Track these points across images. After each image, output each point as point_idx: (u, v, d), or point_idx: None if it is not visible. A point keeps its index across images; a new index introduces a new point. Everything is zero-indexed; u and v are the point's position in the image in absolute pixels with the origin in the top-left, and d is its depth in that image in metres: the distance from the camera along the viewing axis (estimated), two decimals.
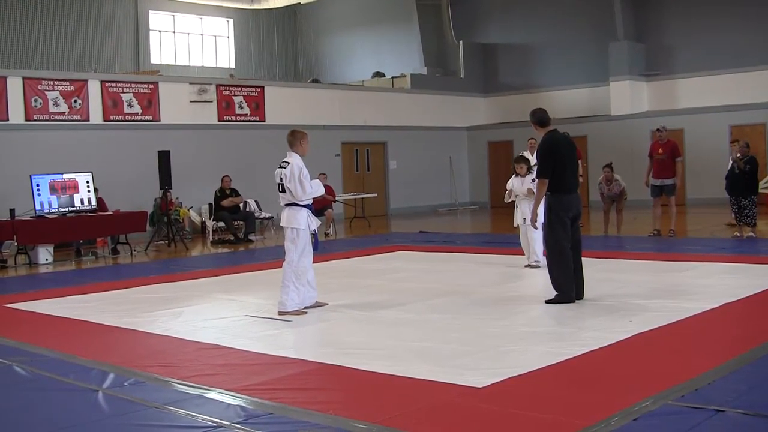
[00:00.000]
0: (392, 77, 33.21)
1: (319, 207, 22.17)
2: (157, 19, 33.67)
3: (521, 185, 14.65)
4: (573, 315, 9.80)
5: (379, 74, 33.70)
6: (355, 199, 27.76)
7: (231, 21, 36.05)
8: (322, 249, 18.23)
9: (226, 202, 22.29)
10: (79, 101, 23.62)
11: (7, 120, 22.36)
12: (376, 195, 28.54)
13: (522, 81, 33.24)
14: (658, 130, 19.23)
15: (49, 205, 19.18)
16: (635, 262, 14.56)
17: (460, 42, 34.59)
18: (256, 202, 24.34)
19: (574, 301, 10.44)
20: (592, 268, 13.48)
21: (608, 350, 7.95)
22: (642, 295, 10.98)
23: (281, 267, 11.02)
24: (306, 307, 10.83)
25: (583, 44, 31.13)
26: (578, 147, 22.13)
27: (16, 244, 19.01)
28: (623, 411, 5.92)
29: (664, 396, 6.25)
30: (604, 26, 30.21)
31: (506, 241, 18.98)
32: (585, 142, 27.94)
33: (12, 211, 19.00)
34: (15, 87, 22.57)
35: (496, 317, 9.81)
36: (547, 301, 10.52)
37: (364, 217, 27.01)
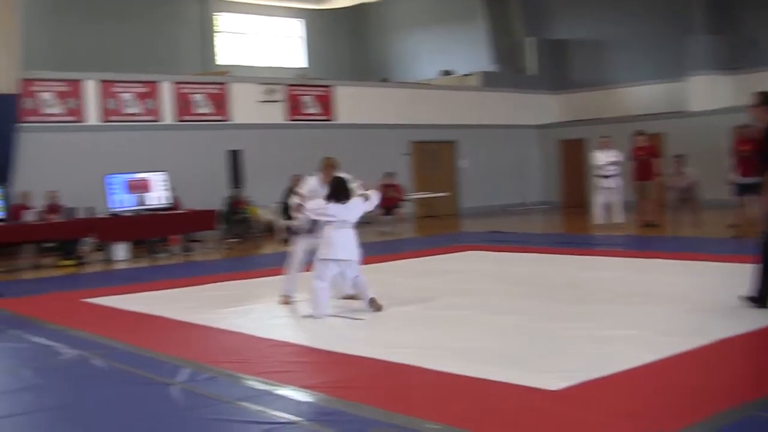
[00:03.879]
0: (461, 75, 33.11)
1: (386, 206, 22.31)
2: (227, 20, 33.95)
3: None
4: (649, 320, 9.51)
5: (447, 72, 33.55)
6: (425, 198, 27.75)
7: (300, 21, 36.21)
8: (392, 248, 18.42)
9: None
10: (152, 102, 23.98)
11: (84, 122, 22.79)
12: (446, 194, 28.50)
13: (594, 77, 32.62)
14: (742, 126, 18.95)
15: (125, 203, 19.54)
16: (713, 264, 13.93)
17: (530, 39, 34.24)
18: None
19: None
20: (668, 271, 13.46)
21: (682, 357, 7.66)
22: (720, 300, 10.36)
23: None
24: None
25: (658, 38, 30.38)
26: (653, 144, 22.13)
27: (93, 241, 19.39)
28: (705, 420, 5.77)
29: (751, 407, 6.07)
30: (680, 19, 29.34)
31: (579, 241, 19.00)
32: (662, 139, 27.44)
33: (90, 209, 19.37)
34: (90, 90, 22.98)
35: (571, 319, 9.64)
36: (746, 299, 9.76)
37: (434, 216, 27.00)
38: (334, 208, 10.67)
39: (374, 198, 11.44)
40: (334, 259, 10.58)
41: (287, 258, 12.06)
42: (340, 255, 10.58)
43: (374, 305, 10.76)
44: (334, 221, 10.65)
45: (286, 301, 11.76)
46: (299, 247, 11.86)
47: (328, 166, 11.84)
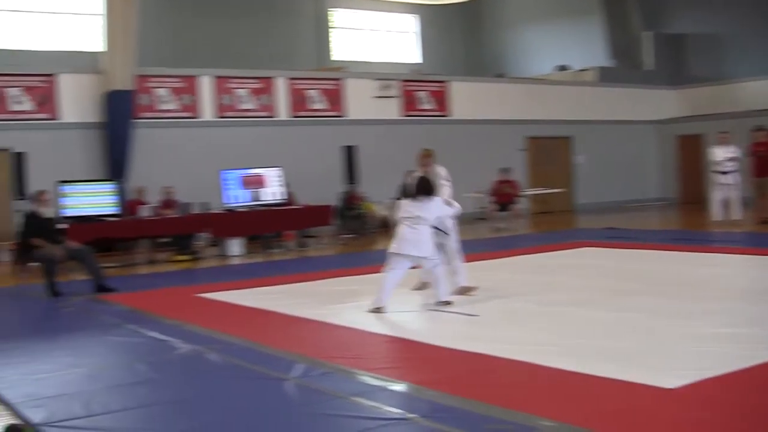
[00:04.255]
0: (577, 70, 32.82)
1: (502, 202, 22.20)
2: (341, 16, 34.02)
3: None
4: None
5: (563, 68, 33.33)
6: (540, 194, 27.58)
7: (414, 17, 36.16)
8: (508, 245, 18.32)
9: None
10: (267, 98, 24.12)
11: (199, 117, 23.01)
12: (562, 190, 28.28)
13: (712, 72, 32.08)
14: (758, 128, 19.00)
15: (240, 199, 19.66)
16: None
17: (647, 33, 33.81)
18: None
19: None
20: None
21: None
22: None
23: (466, 261, 11.15)
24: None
25: None
26: None
27: (208, 236, 19.54)
28: None
29: None
30: None
31: (696, 238, 18.62)
32: None
33: (205, 204, 19.53)
34: (206, 86, 23.24)
35: (687, 316, 9.46)
36: None
37: (550, 212, 26.81)
38: (410, 204, 10.92)
39: (455, 208, 11.44)
40: (401, 253, 10.79)
41: None
42: (405, 250, 10.77)
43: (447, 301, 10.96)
44: (408, 217, 10.81)
45: (420, 287, 11.88)
46: None
47: (423, 157, 11.89)
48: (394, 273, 10.87)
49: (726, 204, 21.26)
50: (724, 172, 21.14)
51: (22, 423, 6.35)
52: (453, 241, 11.76)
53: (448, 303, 10.89)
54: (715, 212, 21.47)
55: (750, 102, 30.13)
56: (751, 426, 5.67)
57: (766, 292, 11.09)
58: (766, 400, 6.24)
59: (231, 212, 19.45)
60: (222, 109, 23.43)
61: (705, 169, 27.16)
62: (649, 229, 22.29)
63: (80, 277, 14.64)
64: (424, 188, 10.96)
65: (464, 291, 11.55)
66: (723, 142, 21.39)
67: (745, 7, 30.73)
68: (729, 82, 31.43)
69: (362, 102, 25.89)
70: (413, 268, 11.16)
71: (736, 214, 21.05)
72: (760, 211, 21.33)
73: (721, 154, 21.25)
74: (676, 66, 33.67)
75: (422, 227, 10.80)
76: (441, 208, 11.11)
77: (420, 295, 11.63)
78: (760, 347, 7.73)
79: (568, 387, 6.81)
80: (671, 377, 6.71)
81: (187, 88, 22.97)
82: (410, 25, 36.16)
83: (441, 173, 11.76)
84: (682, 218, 26.64)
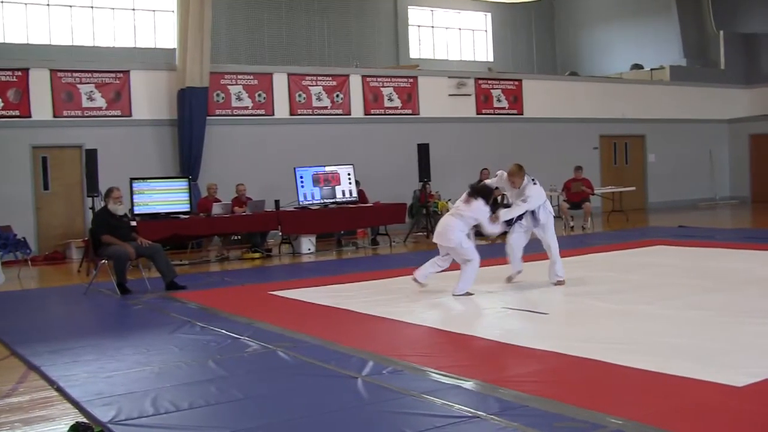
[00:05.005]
0: (651, 69, 32.55)
1: (576, 200, 22.07)
2: (416, 14, 33.94)
3: None
4: None
5: (637, 66, 33.08)
6: (613, 192, 27.40)
7: (489, 15, 36.03)
8: (580, 243, 18.20)
9: None
10: (341, 96, 24.12)
11: (273, 115, 23.04)
12: (634, 188, 28.06)
13: None
14: None
15: (312, 196, 19.66)
16: None
17: (721, 32, 33.49)
18: None
19: None
20: None
21: None
22: None
23: (539, 260, 11.23)
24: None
25: None
26: None
27: (280, 234, 19.56)
28: None
29: None
30: None
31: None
32: None
33: (277, 202, 19.56)
34: (280, 83, 23.30)
35: (757, 314, 9.37)
36: None
37: (622, 210, 26.61)
38: (461, 200, 12.35)
39: (494, 225, 12.29)
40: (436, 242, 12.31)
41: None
42: (435, 239, 12.35)
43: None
44: (453, 211, 12.37)
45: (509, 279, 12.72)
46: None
47: (510, 175, 12.69)
48: (436, 258, 12.38)
49: None
50: None
51: (88, 422, 6.32)
52: (550, 238, 12.48)
53: (469, 294, 11.72)
54: None
55: None
56: None
57: None
58: None
59: (303, 210, 19.44)
60: (296, 107, 23.44)
61: None
62: (721, 227, 22.22)
63: (151, 274, 14.70)
64: (478, 192, 12.22)
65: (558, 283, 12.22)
66: None
67: None
68: None
69: (436, 100, 25.84)
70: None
71: None
72: None
73: None
74: (749, 65, 33.53)
75: (455, 220, 12.03)
76: (480, 212, 12.05)
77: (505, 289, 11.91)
78: None
79: (636, 385, 6.80)
80: (740, 375, 6.71)
81: (261, 85, 23.01)
82: (483, 23, 36.02)
83: (527, 192, 12.34)
84: (754, 217, 26.57)
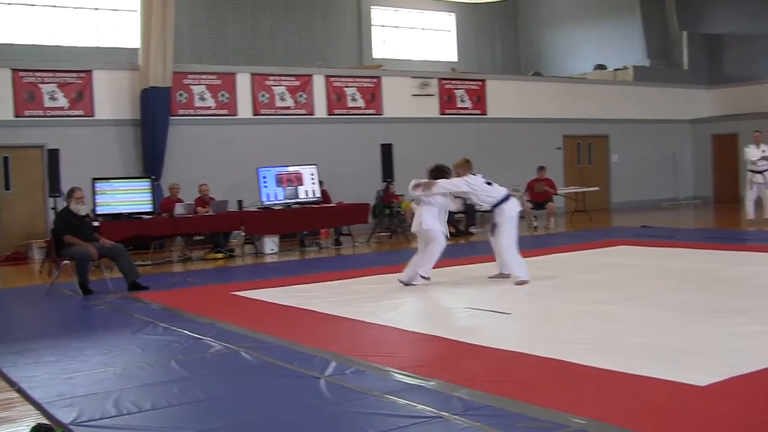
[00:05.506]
0: (614, 69, 32.71)
1: (539, 200, 22.16)
2: (379, 14, 33.95)
3: None
4: None
5: (601, 66, 33.23)
6: (576, 192, 27.51)
7: (452, 15, 36.08)
8: (543, 243, 18.28)
9: None
10: (304, 96, 24.10)
11: (236, 115, 23.01)
12: (597, 189, 28.18)
13: (748, 72, 32.07)
14: None
15: (275, 196, 19.65)
16: None
17: (684, 32, 33.72)
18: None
19: None
20: None
21: None
22: None
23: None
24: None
25: None
26: None
27: (243, 234, 19.54)
28: None
29: None
30: None
31: (732, 237, 18.63)
32: None
33: (240, 202, 19.54)
34: (243, 83, 23.26)
35: (721, 314, 9.44)
36: None
37: (585, 210, 26.72)
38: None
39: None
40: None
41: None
42: (413, 229, 13.26)
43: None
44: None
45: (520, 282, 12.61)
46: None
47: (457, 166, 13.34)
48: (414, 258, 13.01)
49: (760, 203, 21.20)
50: (758, 171, 21.07)
51: (49, 424, 6.30)
52: (503, 236, 12.72)
53: (425, 278, 12.81)
54: (749, 211, 21.48)
55: None
56: None
57: None
58: None
59: (266, 210, 19.42)
60: (259, 107, 23.40)
61: (739, 168, 27.31)
62: (684, 227, 22.34)
63: (114, 275, 14.64)
64: (436, 174, 13.07)
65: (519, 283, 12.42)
66: (757, 141, 21.30)
67: None
68: (764, 81, 31.45)
69: (400, 100, 25.86)
70: None
71: None
72: None
73: (755, 153, 21.21)
74: (712, 65, 33.79)
75: (426, 207, 12.90)
76: (445, 186, 12.88)
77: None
78: None
79: (600, 384, 6.84)
80: (703, 375, 6.77)
81: (224, 85, 22.96)
82: (447, 23, 36.08)
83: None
84: (717, 217, 26.70)
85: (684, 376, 6.72)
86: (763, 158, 20.96)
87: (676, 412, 5.96)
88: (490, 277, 13.00)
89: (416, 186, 12.85)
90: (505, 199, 12.80)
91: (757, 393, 6.35)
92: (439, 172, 13.06)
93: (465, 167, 13.02)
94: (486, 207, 13.15)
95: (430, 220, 12.78)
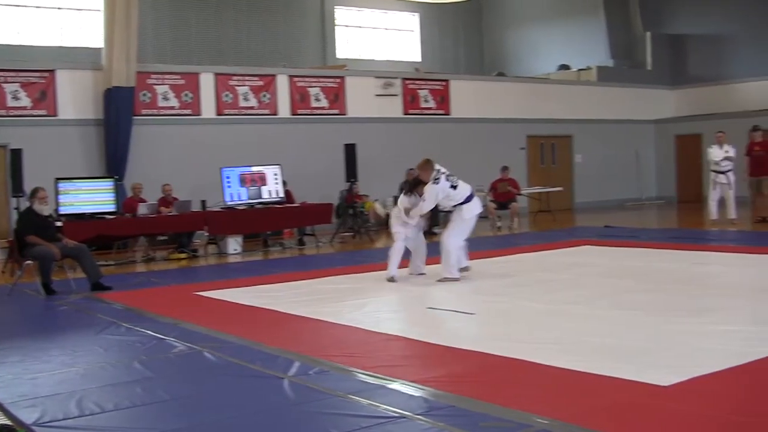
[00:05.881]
0: (578, 70, 32.83)
1: (503, 200, 22.22)
2: (343, 14, 33.95)
3: None
4: (764, 315, 9.42)
5: (564, 67, 33.34)
6: (540, 192, 27.59)
7: (416, 15, 36.11)
8: (507, 243, 18.32)
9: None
10: (268, 96, 24.08)
11: (200, 115, 22.96)
12: (561, 189, 28.28)
13: (712, 72, 32.23)
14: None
15: (239, 196, 19.62)
16: None
17: (648, 33, 33.84)
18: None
19: None
20: None
21: None
22: None
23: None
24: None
25: None
26: None
27: (206, 234, 19.51)
28: None
29: None
30: None
31: (695, 237, 18.71)
32: None
33: (203, 202, 19.50)
34: (207, 83, 23.19)
35: (684, 314, 9.49)
36: None
37: (549, 210, 26.81)
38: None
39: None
40: None
41: None
42: None
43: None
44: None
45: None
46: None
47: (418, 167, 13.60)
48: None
49: (723, 203, 21.34)
50: (722, 172, 21.21)
51: (11, 424, 6.28)
52: (450, 233, 13.15)
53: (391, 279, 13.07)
54: (712, 211, 21.55)
55: (748, 102, 30.39)
56: (742, 421, 5.71)
57: (761, 290, 11.23)
58: (758, 396, 6.34)
59: (230, 210, 19.39)
60: (222, 107, 23.35)
61: (703, 168, 27.49)
62: (647, 227, 22.44)
63: (77, 275, 14.56)
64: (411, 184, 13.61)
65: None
66: (720, 141, 21.44)
67: (744, 9, 30.97)
68: (727, 82, 31.65)
69: (363, 100, 25.85)
70: None
71: (733, 213, 21.12)
72: (756, 210, 21.57)
73: (718, 153, 21.32)
74: (675, 66, 33.88)
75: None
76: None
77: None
78: (754, 344, 7.83)
79: (563, 384, 6.87)
80: (666, 374, 6.80)
81: (188, 85, 22.89)
82: (411, 23, 36.12)
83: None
84: (680, 217, 26.87)
85: (647, 376, 6.76)
86: (727, 158, 21.07)
87: (639, 411, 6.00)
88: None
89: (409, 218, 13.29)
90: (467, 200, 12.93)
91: (719, 393, 6.40)
92: (415, 184, 13.40)
93: (427, 169, 13.07)
94: (448, 208, 13.33)
95: (395, 225, 13.65)
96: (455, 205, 13.01)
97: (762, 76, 30.33)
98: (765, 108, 29.28)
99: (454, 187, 13.01)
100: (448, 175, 13.03)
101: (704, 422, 5.73)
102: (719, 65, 31.98)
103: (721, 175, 21.23)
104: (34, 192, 13.96)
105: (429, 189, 12.93)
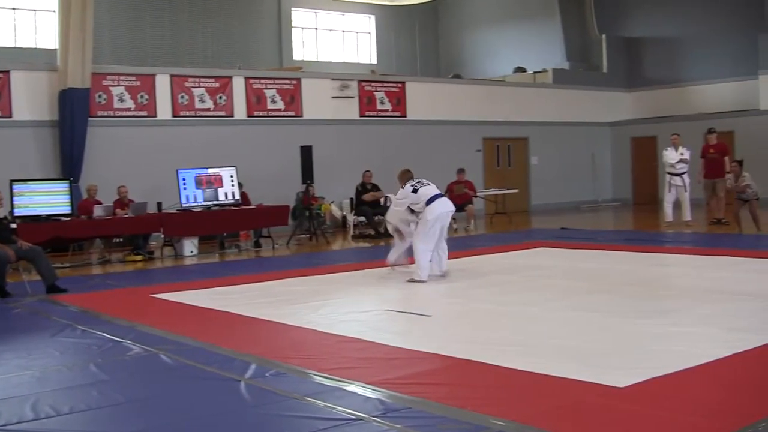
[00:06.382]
0: (534, 72, 32.94)
1: (459, 202, 22.24)
2: (299, 16, 33.94)
3: None
4: (720, 316, 9.45)
5: (520, 69, 33.44)
6: (496, 194, 27.66)
7: (372, 17, 36.16)
8: (463, 245, 18.35)
9: (367, 197, 22.43)
10: (224, 97, 24.00)
11: (156, 116, 22.85)
12: (517, 191, 28.36)
13: (667, 75, 32.50)
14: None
15: (195, 198, 19.55)
16: None
17: (603, 36, 34.03)
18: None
19: None
20: (739, 268, 13.38)
21: (756, 352, 7.66)
22: None
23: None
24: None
25: (732, 36, 30.24)
26: (724, 142, 22.15)
27: (162, 236, 19.44)
28: None
29: None
30: (754, 17, 29.33)
31: (650, 239, 18.90)
32: (732, 137, 27.28)
33: (159, 204, 19.41)
34: (163, 84, 23.06)
35: (640, 315, 9.62)
36: None
37: (505, 212, 26.90)
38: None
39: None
40: None
41: None
42: None
43: None
44: None
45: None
46: None
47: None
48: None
49: (678, 205, 21.49)
50: (677, 174, 21.37)
51: None
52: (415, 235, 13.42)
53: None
54: (668, 213, 21.74)
55: (702, 105, 30.72)
56: (694, 421, 5.78)
57: (715, 291, 11.29)
58: (713, 397, 6.40)
59: (185, 212, 19.32)
60: (178, 109, 23.26)
61: (658, 170, 27.73)
62: (603, 229, 22.51)
63: (32, 277, 14.46)
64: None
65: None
66: (675, 143, 21.59)
67: (698, 12, 31.26)
68: (682, 85, 31.96)
69: (319, 102, 25.80)
70: None
71: (687, 215, 21.30)
72: (711, 212, 21.73)
73: (673, 155, 21.46)
74: (631, 68, 34.11)
75: None
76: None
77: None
78: (708, 346, 7.91)
79: (519, 386, 6.92)
80: (621, 376, 6.85)
81: (144, 86, 22.76)
82: (367, 25, 36.15)
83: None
84: (636, 219, 26.98)
85: (604, 377, 6.81)
86: (682, 161, 21.22)
87: (594, 412, 6.05)
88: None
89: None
90: (430, 201, 13.07)
91: (674, 394, 6.44)
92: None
93: (401, 178, 14.07)
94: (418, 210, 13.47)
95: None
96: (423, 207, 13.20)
97: (716, 78, 30.63)
98: (719, 111, 29.63)
99: (415, 190, 13.13)
100: (416, 181, 13.44)
101: (657, 423, 5.77)
102: (674, 68, 32.23)
103: (676, 178, 21.38)
104: None
105: (399, 192, 13.69)
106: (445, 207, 13.53)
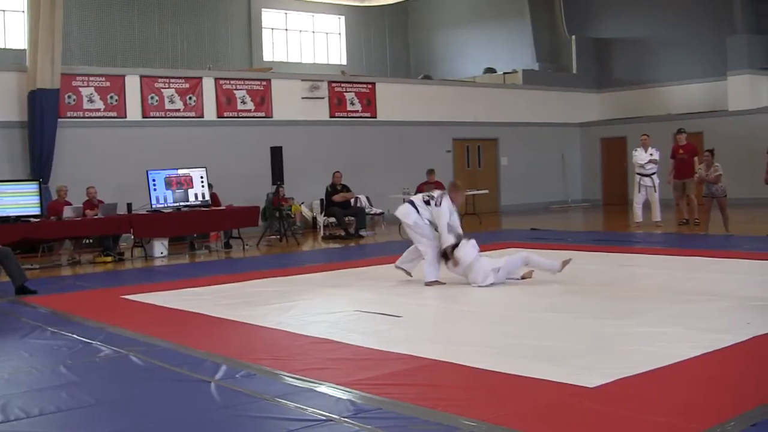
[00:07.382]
0: (504, 73, 33.01)
1: None
2: (269, 17, 33.92)
3: None
4: (690, 316, 9.48)
5: (490, 70, 33.52)
6: (466, 195, 27.65)
7: (342, 18, 36.18)
8: None
9: (337, 198, 22.45)
10: (194, 98, 23.96)
11: (125, 117, 22.79)
12: (487, 191, 28.37)
13: (636, 76, 32.70)
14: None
15: (165, 199, 19.51)
16: (752, 262, 14.08)
17: (573, 37, 34.21)
18: (367, 197, 24.49)
19: None
20: (708, 269, 13.43)
21: (725, 352, 7.69)
22: (761, 296, 10.62)
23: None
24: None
25: (700, 38, 30.48)
26: (693, 143, 22.26)
27: (132, 237, 19.39)
28: (740, 416, 5.71)
29: None
30: (722, 19, 29.56)
31: (620, 239, 18.96)
32: (701, 138, 27.43)
33: (129, 205, 19.35)
34: (132, 85, 23.01)
35: (610, 316, 9.64)
36: None
37: (475, 213, 26.92)
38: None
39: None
40: None
41: None
42: None
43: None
44: None
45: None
46: None
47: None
48: None
49: (647, 206, 21.59)
50: (646, 175, 21.45)
51: None
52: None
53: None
54: (637, 214, 21.83)
55: (671, 105, 30.90)
56: (662, 421, 5.78)
57: (685, 291, 11.33)
58: (682, 396, 6.39)
59: (155, 213, 19.27)
60: (148, 109, 23.20)
61: (628, 171, 27.86)
62: (573, 230, 22.56)
63: (1, 278, 14.41)
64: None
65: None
66: (644, 144, 21.66)
67: (668, 13, 31.43)
68: (651, 86, 32.17)
69: (290, 103, 25.79)
70: None
71: (657, 215, 21.40)
72: (680, 213, 21.79)
73: (642, 156, 21.54)
74: (600, 69, 34.33)
75: None
76: None
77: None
78: (680, 345, 7.91)
79: (489, 386, 6.91)
80: (593, 376, 6.86)
81: (113, 87, 22.70)
82: (337, 26, 36.16)
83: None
84: (605, 219, 27.05)
85: (574, 378, 6.82)
86: (651, 161, 21.29)
87: (564, 413, 6.06)
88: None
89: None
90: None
91: (644, 394, 6.44)
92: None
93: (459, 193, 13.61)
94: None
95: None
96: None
97: (685, 79, 30.83)
98: (689, 111, 29.81)
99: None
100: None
101: (627, 422, 5.79)
102: (644, 69, 32.39)
103: (645, 178, 21.45)
104: None
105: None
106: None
